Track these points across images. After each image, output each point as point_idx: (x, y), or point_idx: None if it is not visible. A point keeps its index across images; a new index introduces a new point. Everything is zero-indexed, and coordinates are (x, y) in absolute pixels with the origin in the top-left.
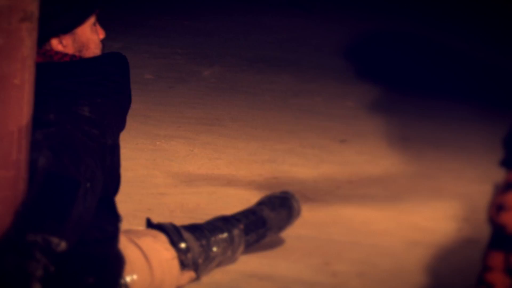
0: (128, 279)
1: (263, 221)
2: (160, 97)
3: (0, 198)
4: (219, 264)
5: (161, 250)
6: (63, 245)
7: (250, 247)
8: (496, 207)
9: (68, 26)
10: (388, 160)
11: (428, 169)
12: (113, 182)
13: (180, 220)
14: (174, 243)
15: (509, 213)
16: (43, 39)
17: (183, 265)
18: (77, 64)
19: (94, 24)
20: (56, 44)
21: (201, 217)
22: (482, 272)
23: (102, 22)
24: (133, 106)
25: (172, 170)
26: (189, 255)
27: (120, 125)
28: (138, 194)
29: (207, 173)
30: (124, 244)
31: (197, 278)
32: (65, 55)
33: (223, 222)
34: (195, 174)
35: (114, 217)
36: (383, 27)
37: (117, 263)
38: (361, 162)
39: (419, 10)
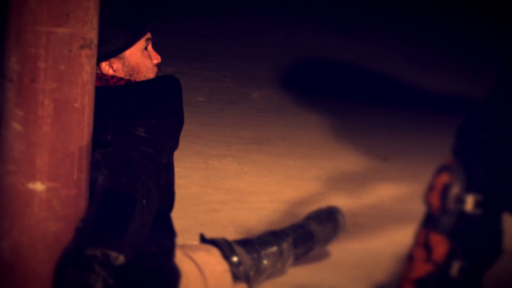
0: None
1: (310, 235)
2: (212, 118)
3: (62, 215)
4: (269, 276)
5: (214, 264)
6: (121, 259)
7: (299, 259)
8: (429, 188)
9: (115, 51)
10: (429, 176)
11: None
12: (168, 199)
13: (232, 235)
14: (226, 257)
15: (434, 193)
16: None
17: (236, 277)
18: (133, 87)
19: (146, 49)
20: (107, 68)
21: (251, 232)
22: (411, 247)
23: (155, 47)
24: (186, 127)
25: (224, 188)
26: (241, 268)
27: (174, 144)
28: (192, 211)
29: (257, 190)
30: (180, 258)
31: None
32: (120, 79)
33: (273, 236)
34: (246, 191)
35: (170, 233)
36: (425, 49)
37: (173, 276)
38: (403, 178)
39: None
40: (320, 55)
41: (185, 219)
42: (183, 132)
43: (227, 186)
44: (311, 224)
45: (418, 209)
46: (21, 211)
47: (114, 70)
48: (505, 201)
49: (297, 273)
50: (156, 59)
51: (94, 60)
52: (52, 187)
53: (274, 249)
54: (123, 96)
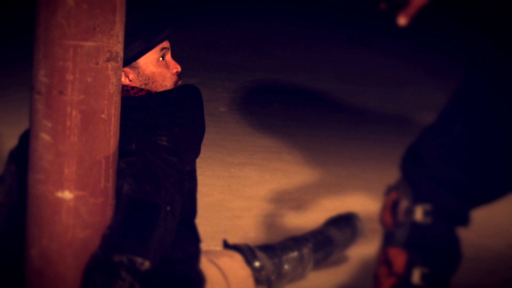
0: None
1: (330, 240)
2: (234, 128)
3: (90, 223)
4: (290, 281)
5: (237, 269)
6: (146, 264)
7: (318, 264)
8: (382, 208)
9: (127, 60)
10: None
11: None
12: (192, 205)
13: (254, 241)
14: (249, 262)
15: (386, 211)
16: None
17: (258, 281)
18: (154, 97)
19: (163, 59)
20: (123, 79)
21: (273, 238)
22: (375, 267)
23: (178, 60)
24: (209, 136)
25: (246, 195)
26: (263, 273)
27: (196, 151)
28: (215, 218)
29: (278, 197)
30: (205, 264)
31: None
32: (141, 89)
33: (294, 242)
34: (267, 198)
35: (194, 239)
36: (439, 58)
37: (198, 281)
38: None
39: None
40: (337, 66)
41: (209, 225)
42: (205, 141)
43: (248, 194)
44: (330, 230)
45: None
46: (50, 219)
47: (130, 80)
48: (452, 209)
49: (317, 277)
50: (175, 68)
51: (120, 72)
52: (80, 196)
53: (295, 254)
54: (146, 106)
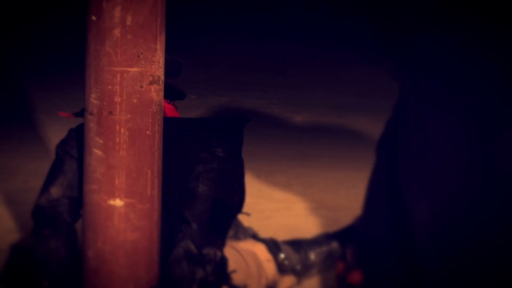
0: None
1: None
2: (261, 140)
3: (139, 226)
4: (320, 271)
5: (257, 253)
6: (219, 254)
7: None
8: (346, 270)
9: None
10: None
11: None
12: (241, 194)
13: (283, 238)
14: (272, 252)
15: (339, 264)
16: None
17: (282, 270)
18: (203, 118)
19: None
20: None
21: (299, 235)
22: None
23: (209, 80)
24: None
25: (274, 198)
26: (287, 262)
27: (240, 161)
28: (247, 219)
29: (303, 199)
30: (229, 251)
31: (298, 281)
32: (168, 102)
33: (323, 238)
34: (293, 200)
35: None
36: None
37: (223, 263)
38: None
39: None
40: (352, 82)
41: None
42: None
43: (277, 196)
44: None
45: None
46: (103, 224)
47: None
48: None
49: None
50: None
51: (161, 93)
52: (129, 203)
53: (323, 247)
54: (198, 126)
